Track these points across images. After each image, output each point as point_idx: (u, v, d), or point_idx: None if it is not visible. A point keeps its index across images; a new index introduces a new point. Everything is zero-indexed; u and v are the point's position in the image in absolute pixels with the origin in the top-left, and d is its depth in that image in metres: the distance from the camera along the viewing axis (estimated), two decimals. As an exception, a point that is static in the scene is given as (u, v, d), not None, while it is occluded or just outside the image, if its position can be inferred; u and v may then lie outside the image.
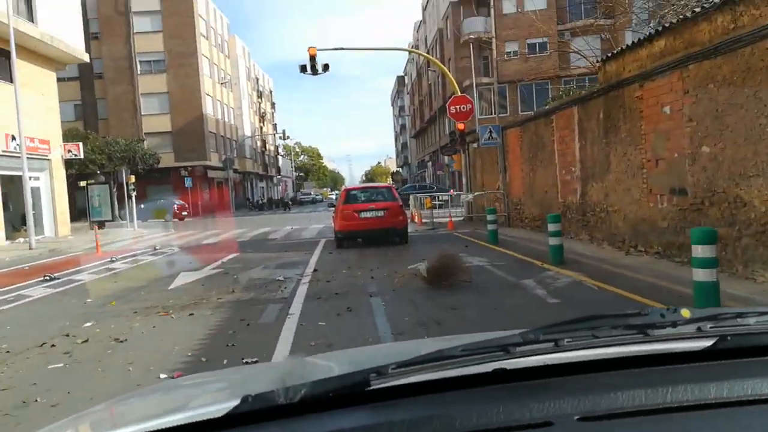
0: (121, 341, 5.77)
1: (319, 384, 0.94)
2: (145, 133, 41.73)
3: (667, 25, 8.39)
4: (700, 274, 5.57)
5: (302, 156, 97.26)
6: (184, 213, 37.17)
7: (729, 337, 1.04)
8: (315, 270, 9.94)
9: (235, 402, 0.91)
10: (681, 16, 8.12)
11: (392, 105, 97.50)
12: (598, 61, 10.90)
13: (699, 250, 5.60)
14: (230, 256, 13.14)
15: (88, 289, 9.57)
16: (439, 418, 0.86)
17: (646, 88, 9.26)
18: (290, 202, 53.87)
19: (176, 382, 2.15)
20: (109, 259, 14.03)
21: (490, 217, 13.20)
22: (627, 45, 9.54)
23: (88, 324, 6.69)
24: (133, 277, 10.91)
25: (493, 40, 31.48)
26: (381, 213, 13.64)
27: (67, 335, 6.14)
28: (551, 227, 9.35)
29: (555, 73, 33.96)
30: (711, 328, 1.02)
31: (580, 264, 9.23)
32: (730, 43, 7.15)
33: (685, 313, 1.04)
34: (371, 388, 0.92)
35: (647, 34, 9.17)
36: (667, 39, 8.62)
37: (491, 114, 35.38)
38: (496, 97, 33.39)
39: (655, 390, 0.90)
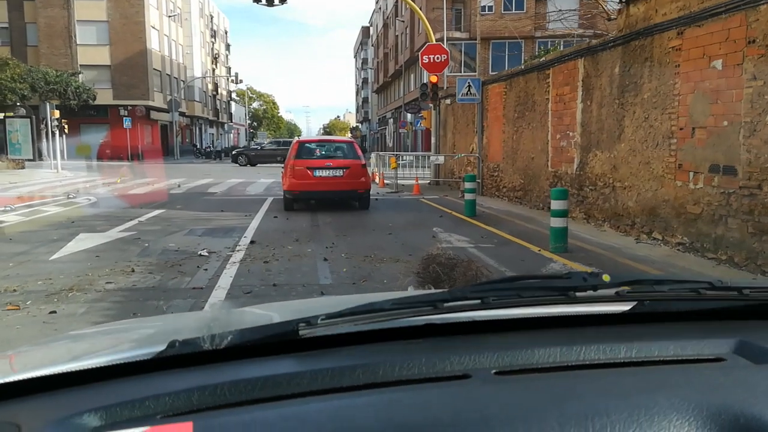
0: None
1: (246, 332, 0.92)
2: (80, 65, 37.56)
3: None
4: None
5: (256, 103, 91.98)
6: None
7: (646, 303, 1.09)
8: (252, 242, 7.72)
9: (161, 347, 0.88)
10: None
11: (355, 57, 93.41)
12: (620, 1, 8.81)
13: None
14: (152, 213, 10.73)
15: (-60, 253, 7.11)
16: (363, 368, 0.85)
17: (687, 37, 7.27)
18: (223, 153, 46.94)
19: (86, 331, 1.89)
20: (2, 208, 11.42)
21: (468, 185, 11.16)
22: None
23: None
24: (16, 236, 8.44)
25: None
26: (340, 172, 11.42)
27: None
28: (556, 205, 7.38)
29: (530, 33, 32.19)
30: (629, 293, 1.04)
31: (586, 253, 7.36)
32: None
33: (606, 278, 1.03)
34: (299, 337, 0.91)
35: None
36: (728, -30, 6.60)
37: (460, 72, 33.12)
38: (476, 53, 31.06)
39: (570, 348, 0.92)
